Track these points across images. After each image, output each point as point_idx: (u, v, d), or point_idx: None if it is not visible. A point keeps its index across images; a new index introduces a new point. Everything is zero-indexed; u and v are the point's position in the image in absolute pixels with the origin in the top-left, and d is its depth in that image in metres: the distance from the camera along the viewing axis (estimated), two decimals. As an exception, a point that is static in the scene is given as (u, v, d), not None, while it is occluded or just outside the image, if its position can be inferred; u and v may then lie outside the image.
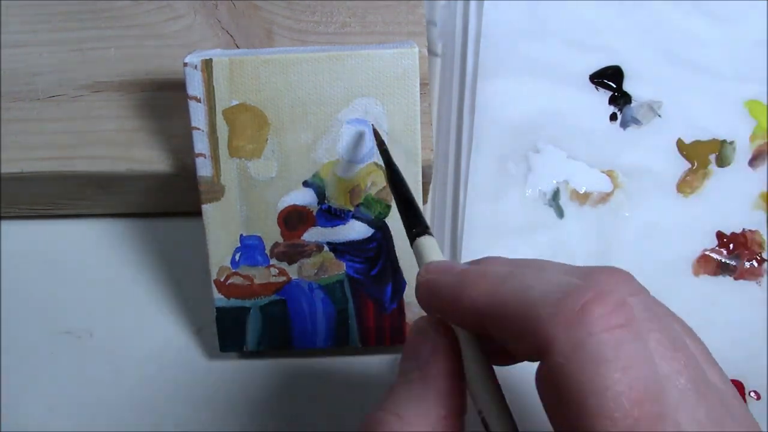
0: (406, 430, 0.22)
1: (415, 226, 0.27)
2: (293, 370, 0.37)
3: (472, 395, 0.23)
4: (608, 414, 0.19)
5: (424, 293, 0.25)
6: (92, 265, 0.39)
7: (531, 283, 0.21)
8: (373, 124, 0.33)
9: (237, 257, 0.34)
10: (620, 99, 0.42)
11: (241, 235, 0.34)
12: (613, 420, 0.19)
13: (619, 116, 0.42)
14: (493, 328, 0.22)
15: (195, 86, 0.32)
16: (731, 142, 0.41)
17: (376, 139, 0.32)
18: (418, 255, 0.26)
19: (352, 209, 0.34)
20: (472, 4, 0.43)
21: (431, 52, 0.43)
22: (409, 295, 0.35)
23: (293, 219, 0.34)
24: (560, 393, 0.20)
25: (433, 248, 0.26)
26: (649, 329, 0.21)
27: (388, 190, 0.33)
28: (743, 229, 0.40)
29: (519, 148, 0.41)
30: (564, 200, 0.40)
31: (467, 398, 0.24)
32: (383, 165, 0.32)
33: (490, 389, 0.23)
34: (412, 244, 0.27)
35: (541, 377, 0.20)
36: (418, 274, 0.25)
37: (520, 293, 0.21)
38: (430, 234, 0.27)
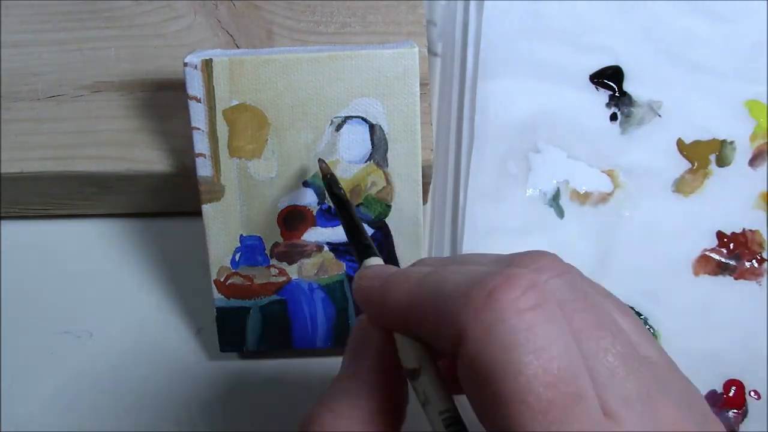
0: (337, 424, 0.22)
1: (363, 250, 0.27)
2: (293, 370, 0.37)
3: (415, 388, 0.23)
4: (522, 398, 0.18)
5: (357, 299, 0.25)
6: (92, 265, 0.39)
7: (446, 277, 0.21)
8: (320, 160, 0.33)
9: (237, 257, 0.34)
10: (620, 99, 0.42)
11: (241, 235, 0.34)
12: (527, 404, 0.18)
13: (620, 116, 0.42)
14: (415, 328, 0.22)
15: (195, 86, 0.32)
16: (731, 142, 0.41)
17: (322, 172, 0.32)
18: None
19: (352, 209, 0.34)
20: (472, 4, 0.43)
21: (431, 52, 0.43)
22: (409, 295, 0.35)
23: (293, 219, 0.34)
24: (476, 384, 0.20)
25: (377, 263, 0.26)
26: (573, 309, 0.21)
27: (389, 189, 0.33)
28: (743, 229, 0.40)
29: (519, 148, 0.41)
30: (564, 200, 0.40)
31: (405, 395, 0.24)
32: (330, 198, 0.32)
33: (429, 380, 0.23)
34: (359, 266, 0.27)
35: (460, 373, 0.20)
36: (354, 279, 0.26)
37: (435, 289, 0.21)
38: (376, 255, 0.27)
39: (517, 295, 0.20)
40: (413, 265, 0.26)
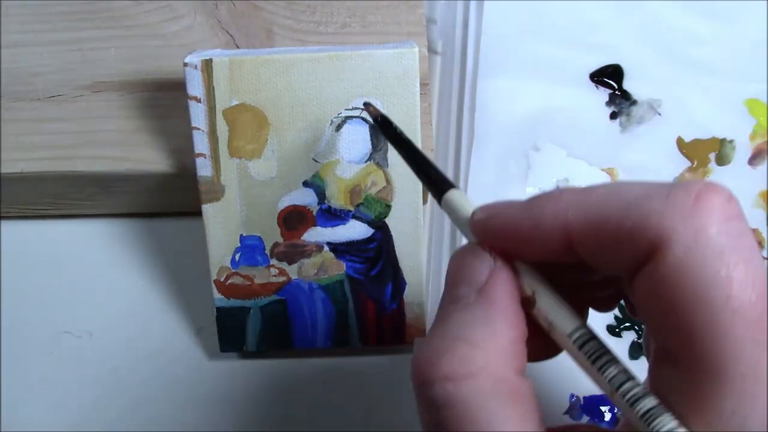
0: (474, 356, 0.20)
1: (439, 183, 0.25)
2: (293, 370, 0.37)
3: (548, 320, 0.22)
4: (735, 307, 0.18)
5: (490, 233, 0.23)
6: (92, 265, 0.39)
7: (624, 189, 0.20)
8: (365, 103, 0.32)
9: (237, 257, 0.34)
10: (620, 97, 0.42)
11: (241, 235, 0.34)
12: (740, 313, 0.18)
13: (620, 115, 0.42)
14: (587, 242, 0.20)
15: (195, 86, 0.32)
16: (731, 141, 0.41)
17: (372, 115, 0.31)
18: (453, 208, 0.24)
19: (352, 209, 0.34)
20: (473, 3, 0.43)
21: (431, 50, 0.43)
22: (409, 295, 0.35)
23: (293, 219, 0.34)
24: (677, 290, 0.18)
25: (464, 199, 0.24)
26: None
27: (389, 189, 0.33)
28: (743, 228, 0.40)
29: (519, 146, 0.41)
30: (564, 199, 0.40)
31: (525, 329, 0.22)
32: (389, 140, 0.30)
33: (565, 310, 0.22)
34: (440, 202, 0.25)
35: (648, 282, 0.19)
36: (473, 215, 0.23)
37: (616, 197, 0.20)
38: (455, 188, 0.25)
39: (723, 202, 0.19)
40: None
